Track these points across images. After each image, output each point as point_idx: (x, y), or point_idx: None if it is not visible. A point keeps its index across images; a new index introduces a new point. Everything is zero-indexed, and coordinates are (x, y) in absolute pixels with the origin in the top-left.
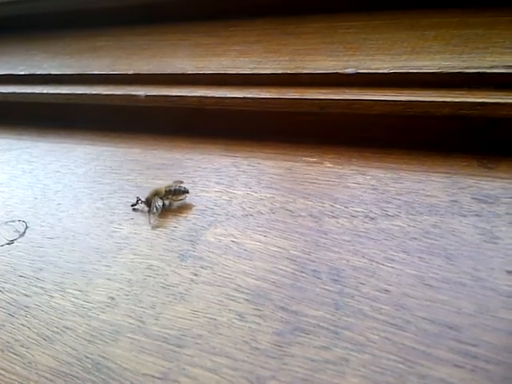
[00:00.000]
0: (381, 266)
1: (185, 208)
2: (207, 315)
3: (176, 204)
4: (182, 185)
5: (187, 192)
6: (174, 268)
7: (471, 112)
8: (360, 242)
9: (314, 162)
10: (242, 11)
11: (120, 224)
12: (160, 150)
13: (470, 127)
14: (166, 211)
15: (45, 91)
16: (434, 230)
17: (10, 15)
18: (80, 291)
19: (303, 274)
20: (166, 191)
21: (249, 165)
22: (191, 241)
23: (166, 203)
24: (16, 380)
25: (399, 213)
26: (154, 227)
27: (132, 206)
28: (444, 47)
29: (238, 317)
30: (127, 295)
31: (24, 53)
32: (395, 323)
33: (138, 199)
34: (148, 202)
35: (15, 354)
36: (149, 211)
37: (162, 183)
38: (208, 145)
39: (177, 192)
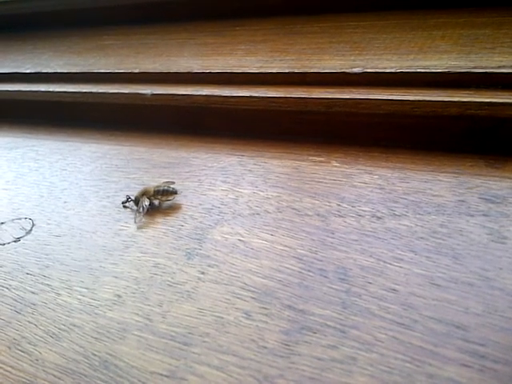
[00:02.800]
0: (388, 265)
1: (173, 209)
2: (214, 313)
3: (165, 204)
4: (171, 185)
5: (176, 193)
6: (181, 266)
7: (479, 112)
8: (367, 241)
9: (321, 162)
10: (248, 11)
11: (126, 222)
12: (166, 148)
13: (477, 127)
14: (154, 211)
15: (51, 89)
16: (441, 230)
17: (17, 13)
18: (87, 289)
19: (310, 273)
20: (154, 191)
21: (255, 164)
22: (198, 239)
23: (156, 203)
24: (23, 377)
25: (406, 212)
26: (140, 227)
27: (122, 203)
28: (451, 47)
29: (244, 315)
30: (134, 293)
31: (31, 51)
32: (403, 322)
33: (128, 197)
34: (136, 201)
35: (22, 352)
36: (137, 210)
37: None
38: (214, 144)
39: (165, 192)
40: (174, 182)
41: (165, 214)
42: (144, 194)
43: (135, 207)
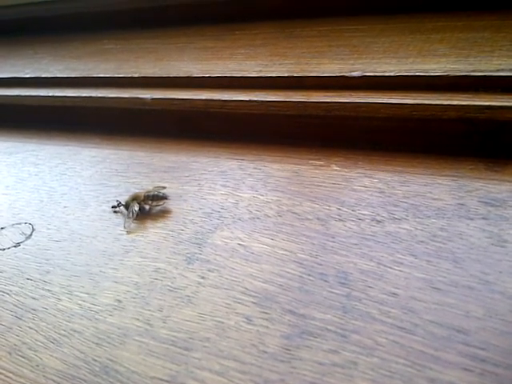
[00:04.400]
0: (388, 269)
1: (164, 214)
2: (215, 318)
3: (155, 209)
4: (162, 190)
5: (166, 198)
6: (181, 271)
7: (478, 115)
8: (367, 245)
9: (321, 165)
10: (247, 15)
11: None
12: (166, 152)
13: (476, 130)
14: (144, 216)
15: (50, 94)
16: (441, 234)
17: (17, 18)
18: (87, 294)
19: (310, 277)
20: (144, 196)
21: (255, 168)
22: (198, 244)
23: (146, 208)
24: (24, 383)
25: (406, 216)
26: (129, 231)
27: (113, 207)
28: (450, 50)
29: (245, 320)
30: (134, 298)
31: (31, 56)
32: (403, 326)
33: (119, 202)
34: (126, 206)
35: (23, 357)
36: (126, 215)
37: (168, 186)
38: (214, 148)
39: (155, 198)
40: (165, 187)
41: (155, 219)
42: (134, 199)
43: (126, 212)
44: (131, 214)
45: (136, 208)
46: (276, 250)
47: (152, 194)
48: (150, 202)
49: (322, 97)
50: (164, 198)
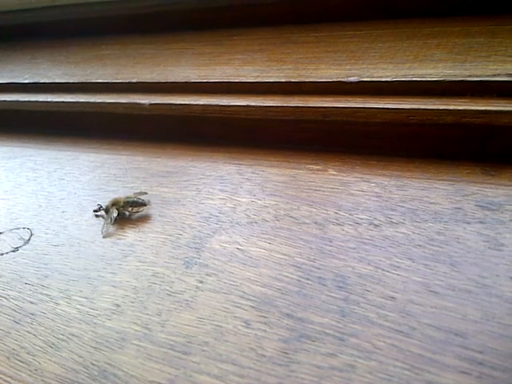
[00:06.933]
0: (386, 273)
1: (142, 220)
2: (213, 322)
3: (135, 216)
4: (142, 197)
5: (145, 205)
6: (180, 275)
7: (474, 120)
8: (365, 249)
9: (318, 170)
10: (245, 20)
11: (125, 231)
12: (164, 157)
13: (472, 135)
14: (124, 222)
15: (49, 99)
16: (438, 237)
17: (15, 24)
18: (85, 298)
19: (309, 281)
20: (124, 202)
21: (253, 172)
22: (196, 248)
23: (126, 214)
24: None
25: (404, 220)
26: (106, 236)
27: (94, 211)
28: (446, 55)
29: (243, 324)
30: (133, 302)
31: (29, 61)
32: (401, 330)
33: (100, 206)
34: (106, 211)
35: (21, 362)
36: (105, 220)
37: (167, 191)
38: (212, 152)
39: (135, 204)
40: (146, 193)
41: (134, 225)
42: (114, 204)
43: (106, 216)
44: (109, 219)
45: (114, 214)
46: (274, 254)
47: (132, 200)
48: (129, 209)
49: (319, 102)
50: (143, 204)
